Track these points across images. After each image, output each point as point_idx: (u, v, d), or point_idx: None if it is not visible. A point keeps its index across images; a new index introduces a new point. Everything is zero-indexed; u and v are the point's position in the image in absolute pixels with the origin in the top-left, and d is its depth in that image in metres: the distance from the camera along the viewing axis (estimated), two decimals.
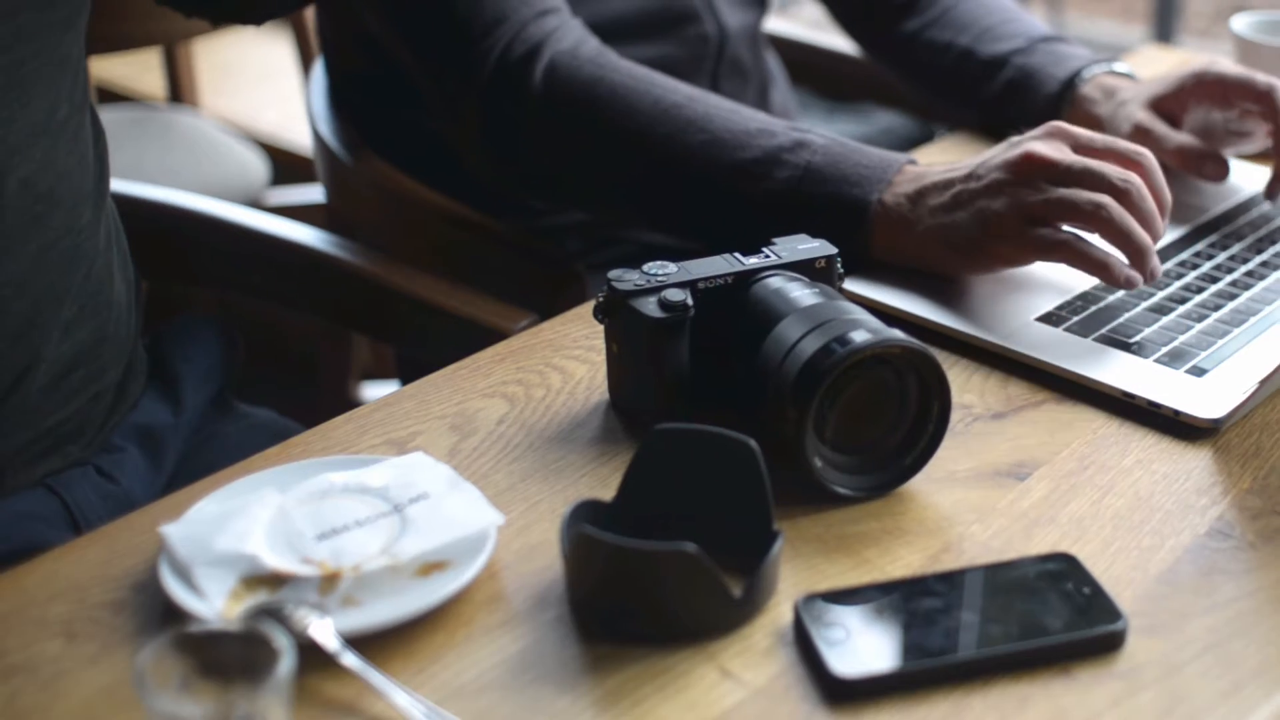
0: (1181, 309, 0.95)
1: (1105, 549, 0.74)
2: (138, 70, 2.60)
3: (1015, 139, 0.95)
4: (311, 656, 0.64)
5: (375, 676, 0.64)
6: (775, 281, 0.83)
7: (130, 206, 1.17)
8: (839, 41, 1.56)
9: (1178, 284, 0.98)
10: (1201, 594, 0.71)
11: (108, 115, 1.95)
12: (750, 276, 0.83)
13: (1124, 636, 0.67)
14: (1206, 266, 1.01)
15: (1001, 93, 1.20)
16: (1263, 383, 0.83)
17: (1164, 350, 0.90)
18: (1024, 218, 0.91)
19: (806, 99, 1.57)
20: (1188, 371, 0.87)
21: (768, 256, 0.84)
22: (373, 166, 1.25)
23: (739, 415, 0.78)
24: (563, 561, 0.70)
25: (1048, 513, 0.76)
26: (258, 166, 1.95)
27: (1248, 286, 0.98)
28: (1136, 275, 0.90)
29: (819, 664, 0.65)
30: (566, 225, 1.24)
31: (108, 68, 2.55)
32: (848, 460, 0.77)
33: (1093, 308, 0.94)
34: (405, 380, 1.33)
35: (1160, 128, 1.10)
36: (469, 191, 1.22)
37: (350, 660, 0.64)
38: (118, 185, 1.19)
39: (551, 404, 0.86)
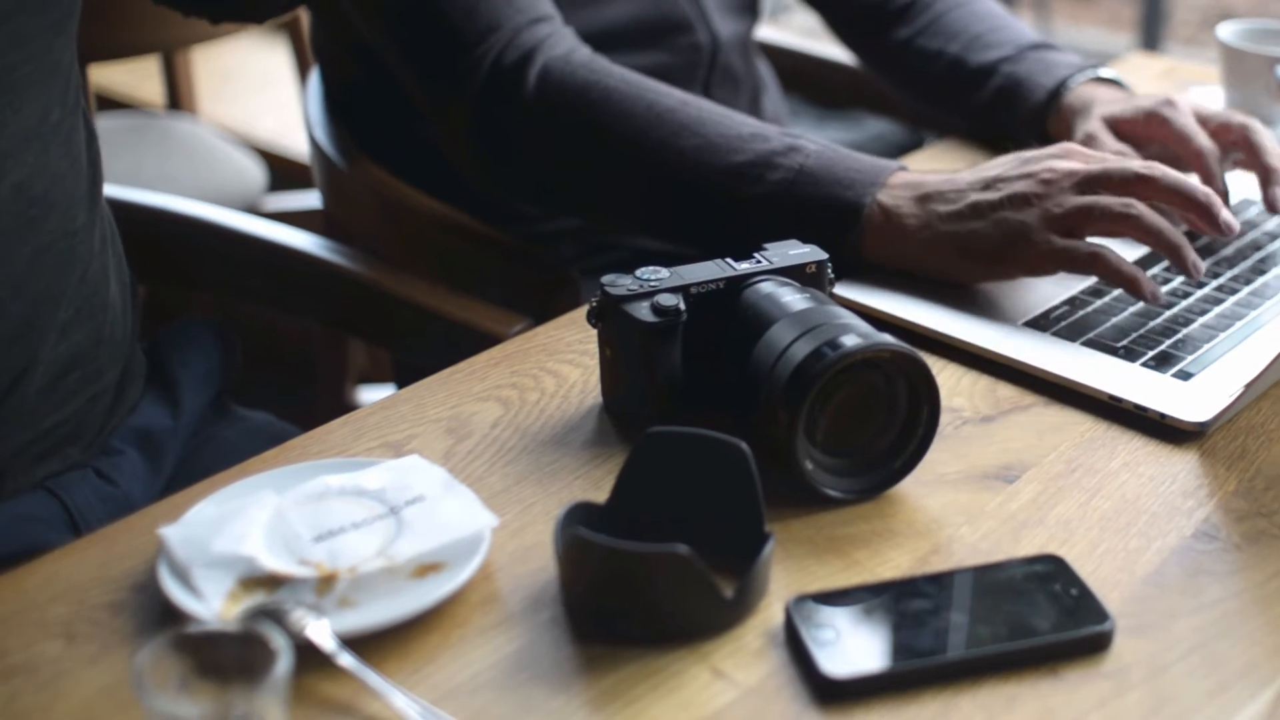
0: (1168, 314, 0.96)
1: (1092, 551, 0.74)
2: (137, 77, 2.60)
3: (1023, 154, 0.96)
4: (308, 657, 0.64)
5: (371, 677, 0.64)
6: (766, 286, 0.83)
7: (129, 212, 1.17)
8: (830, 49, 1.57)
9: (1164, 289, 0.99)
10: (1188, 595, 0.71)
11: (107, 122, 1.96)
12: (742, 281, 0.84)
13: (1111, 637, 0.68)
14: None
15: (991, 100, 1.21)
16: (1248, 387, 0.84)
17: (1151, 354, 0.90)
18: (1054, 229, 0.92)
19: (798, 106, 1.58)
20: (1174, 375, 0.88)
21: (759, 262, 0.85)
22: (369, 173, 1.26)
23: (731, 418, 0.78)
24: (557, 563, 0.71)
25: (1036, 515, 0.77)
26: (255, 173, 1.95)
27: (1233, 292, 0.99)
28: (1159, 290, 0.92)
29: (810, 664, 0.65)
30: (560, 231, 1.25)
31: (107, 75, 2.56)
32: (838, 463, 0.78)
33: (1080, 312, 0.95)
34: (401, 384, 1.33)
35: (1105, 138, 1.09)
36: (464, 197, 1.22)
37: (347, 660, 0.65)
38: (118, 191, 1.20)
39: (545, 407, 0.87)
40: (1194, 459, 0.82)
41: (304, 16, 1.74)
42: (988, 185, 0.95)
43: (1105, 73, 1.19)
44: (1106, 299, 0.97)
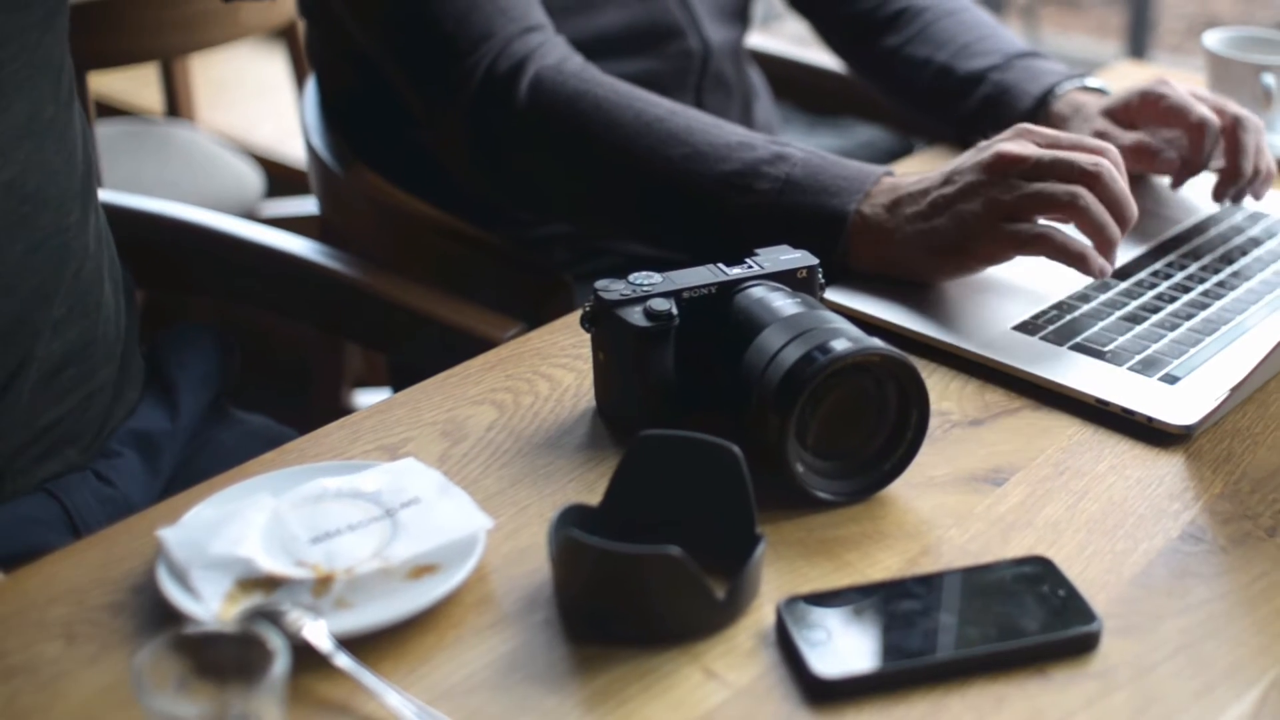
0: (1155, 318, 0.96)
1: (1080, 552, 0.75)
2: (136, 85, 2.61)
3: (984, 143, 0.97)
4: (305, 657, 0.65)
5: (367, 677, 0.64)
6: (758, 291, 0.84)
7: (128, 218, 1.18)
8: (820, 57, 1.57)
9: (1151, 293, 1.00)
10: (1174, 596, 0.72)
11: (106, 129, 1.97)
12: (733, 286, 0.84)
13: (1098, 638, 0.68)
14: (1179, 276, 1.02)
15: (978, 108, 1.22)
16: (1234, 390, 0.85)
17: (1137, 358, 0.91)
18: (1001, 215, 0.93)
19: (789, 113, 1.58)
20: (1161, 379, 0.89)
21: (750, 267, 0.86)
22: (365, 179, 1.26)
23: (723, 422, 0.79)
24: (550, 565, 0.71)
25: (1024, 517, 0.78)
26: (253, 179, 1.96)
27: (1219, 296, 1.00)
28: (1107, 264, 0.92)
29: (801, 664, 0.66)
30: (554, 236, 1.25)
31: (106, 82, 2.56)
32: (828, 466, 0.78)
33: (1068, 316, 0.96)
34: (397, 388, 1.34)
35: (1115, 129, 1.12)
36: (459, 203, 1.23)
37: (343, 661, 0.65)
38: (117, 197, 1.21)
39: (540, 411, 0.87)
40: (1180, 462, 0.83)
41: (299, 27, 1.75)
42: (947, 180, 0.96)
43: (1093, 83, 1.20)
44: (1094, 304, 0.98)
